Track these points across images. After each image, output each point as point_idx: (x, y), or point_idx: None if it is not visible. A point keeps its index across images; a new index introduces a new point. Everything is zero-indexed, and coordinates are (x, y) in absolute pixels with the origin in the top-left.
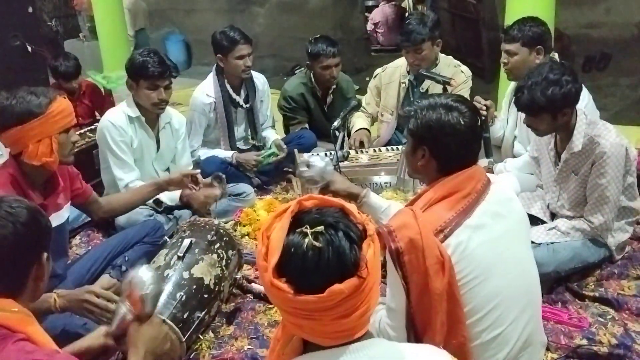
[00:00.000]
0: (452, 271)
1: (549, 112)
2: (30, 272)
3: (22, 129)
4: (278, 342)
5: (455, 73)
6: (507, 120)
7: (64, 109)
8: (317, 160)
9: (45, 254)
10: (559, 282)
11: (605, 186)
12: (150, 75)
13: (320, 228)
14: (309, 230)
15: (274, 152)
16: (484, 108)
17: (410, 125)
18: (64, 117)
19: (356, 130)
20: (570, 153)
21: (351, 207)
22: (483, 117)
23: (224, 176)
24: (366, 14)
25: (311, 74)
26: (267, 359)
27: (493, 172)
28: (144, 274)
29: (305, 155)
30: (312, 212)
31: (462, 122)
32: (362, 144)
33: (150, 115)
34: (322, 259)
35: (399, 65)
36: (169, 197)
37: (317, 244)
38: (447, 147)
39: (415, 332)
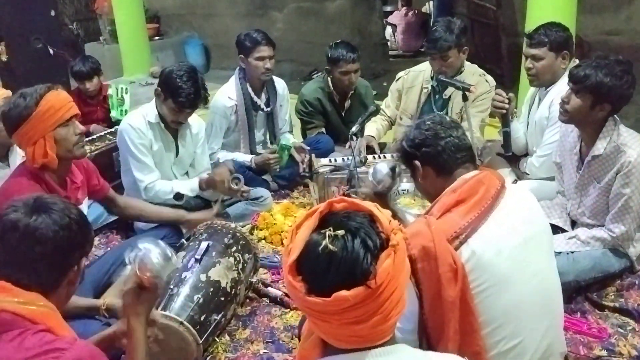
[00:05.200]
0: (465, 279)
1: (592, 95)
2: (68, 274)
3: (17, 135)
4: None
5: (480, 82)
6: (527, 126)
7: (53, 105)
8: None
9: (84, 260)
10: (579, 292)
11: (629, 196)
12: (178, 102)
13: (341, 232)
14: (328, 233)
15: (286, 146)
16: (506, 101)
17: (401, 156)
18: (54, 114)
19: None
20: (592, 156)
21: (382, 213)
22: (504, 111)
23: (241, 177)
24: (385, 19)
25: (329, 79)
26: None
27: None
28: (153, 256)
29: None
30: (339, 215)
31: (431, 123)
32: (370, 149)
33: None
34: (334, 263)
35: (423, 70)
36: (189, 187)
37: (332, 247)
38: (433, 147)
39: (428, 340)
